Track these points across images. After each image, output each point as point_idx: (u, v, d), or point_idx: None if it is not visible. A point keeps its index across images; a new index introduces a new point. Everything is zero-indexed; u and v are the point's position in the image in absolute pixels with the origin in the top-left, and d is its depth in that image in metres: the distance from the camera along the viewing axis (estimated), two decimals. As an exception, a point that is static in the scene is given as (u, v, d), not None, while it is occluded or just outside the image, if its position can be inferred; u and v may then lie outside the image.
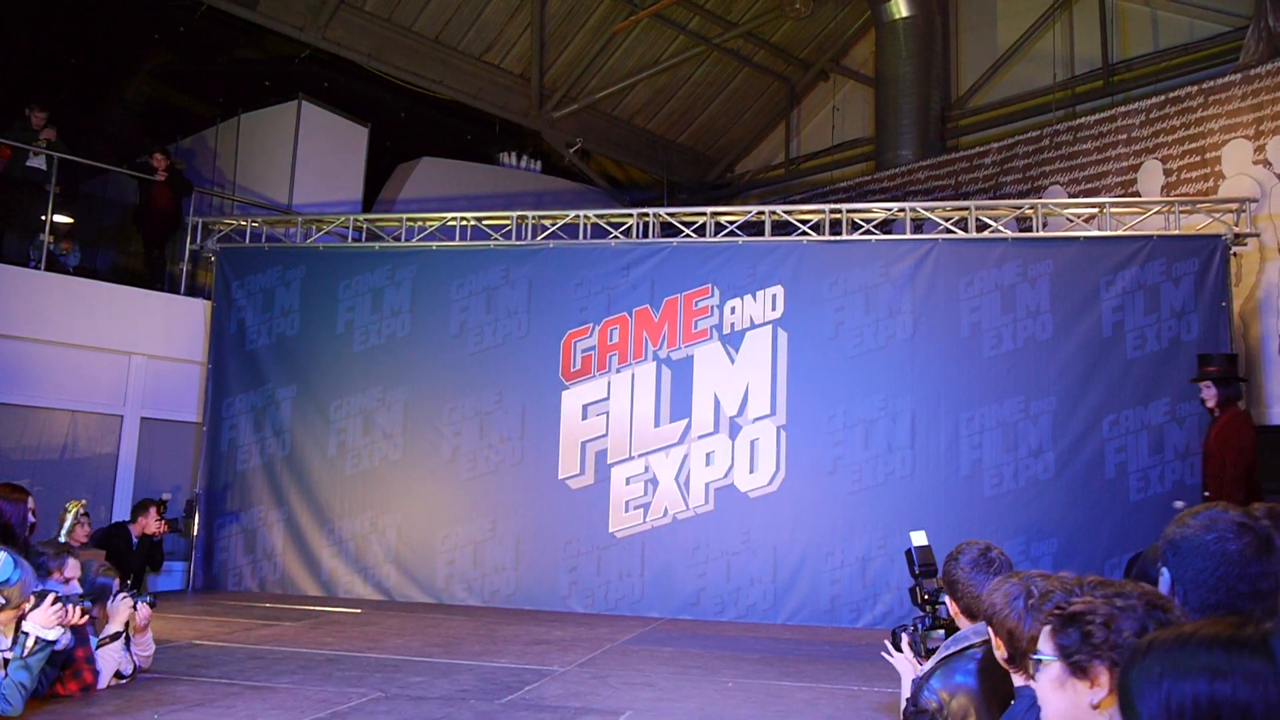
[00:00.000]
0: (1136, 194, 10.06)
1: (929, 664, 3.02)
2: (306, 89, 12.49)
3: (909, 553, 3.75)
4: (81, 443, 9.63)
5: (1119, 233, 8.57)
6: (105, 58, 13.45)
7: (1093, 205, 9.01)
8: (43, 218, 9.61)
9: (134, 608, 4.81)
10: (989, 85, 13.74)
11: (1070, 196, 10.57)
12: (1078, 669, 1.56)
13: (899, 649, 3.43)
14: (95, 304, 9.49)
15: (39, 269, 9.34)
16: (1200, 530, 1.97)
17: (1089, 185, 10.66)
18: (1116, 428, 8.16)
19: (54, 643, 4.09)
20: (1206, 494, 6.71)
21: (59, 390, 9.31)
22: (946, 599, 3.21)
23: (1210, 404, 6.98)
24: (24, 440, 9.35)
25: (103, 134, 12.79)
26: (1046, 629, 1.66)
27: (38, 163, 9.57)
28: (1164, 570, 1.99)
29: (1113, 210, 8.76)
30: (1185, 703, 1.18)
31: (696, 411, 8.80)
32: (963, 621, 3.06)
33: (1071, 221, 8.91)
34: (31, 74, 12.59)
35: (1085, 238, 8.57)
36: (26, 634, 3.93)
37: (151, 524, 8.20)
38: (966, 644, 2.88)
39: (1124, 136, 10.47)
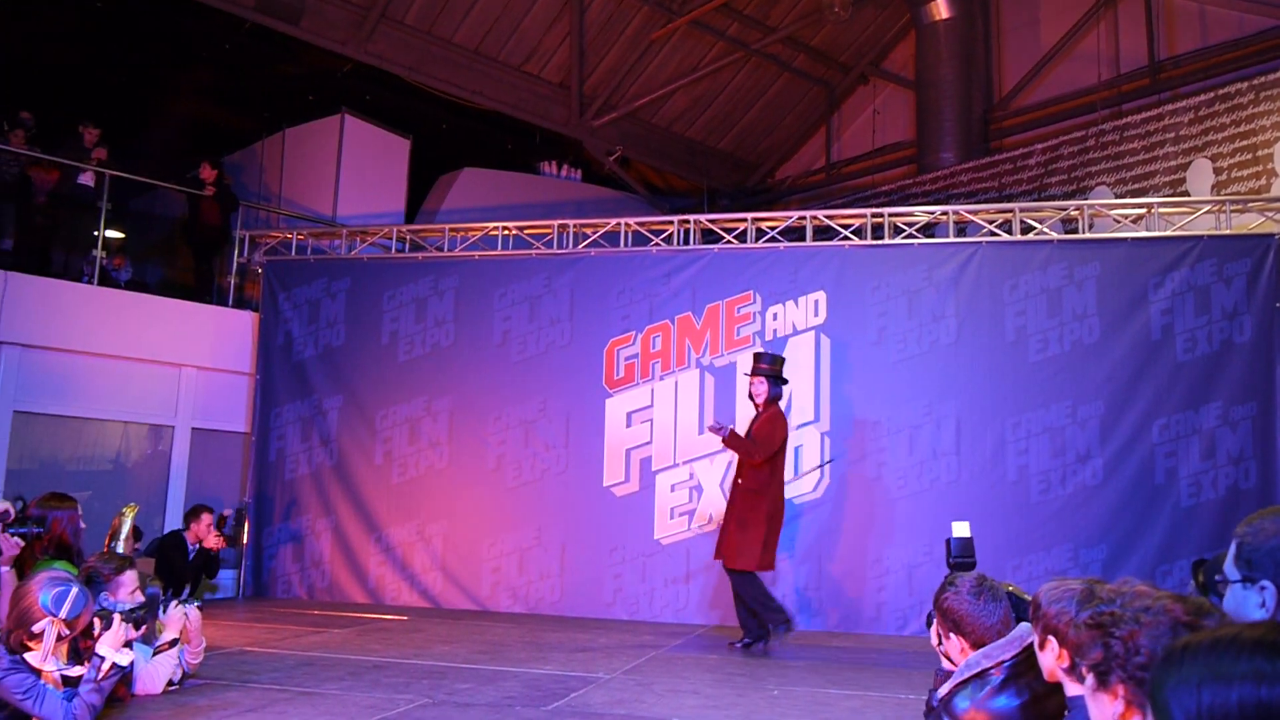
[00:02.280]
0: (1185, 193, 9.91)
1: (947, 686, 2.97)
2: (349, 102, 12.67)
3: (949, 542, 3.70)
4: (134, 453, 9.83)
5: (1168, 233, 8.44)
6: (152, 76, 13.71)
7: (1140, 205, 8.88)
8: (95, 234, 9.82)
9: (185, 615, 4.90)
10: (1032, 85, 13.59)
11: (1117, 197, 10.43)
12: (1102, 681, 1.54)
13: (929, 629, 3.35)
14: (146, 317, 9.69)
15: (92, 284, 9.55)
16: None
17: (1136, 185, 10.52)
18: (1167, 432, 8.03)
19: (127, 666, 4.18)
20: (739, 480, 7.17)
21: (112, 402, 9.51)
22: (945, 641, 3.08)
23: (760, 400, 7.21)
24: (78, 451, 9.55)
25: (150, 151, 13.03)
26: (1082, 640, 1.64)
27: (88, 180, 9.78)
28: (1267, 585, 1.76)
29: (1161, 210, 8.62)
30: (1230, 709, 1.16)
31: (740, 418, 8.77)
32: (965, 655, 2.97)
33: (1119, 222, 8.78)
34: (81, 93, 12.87)
35: (1133, 239, 8.44)
36: (102, 658, 4.00)
37: (205, 532, 8.25)
38: (980, 668, 2.84)
39: (1172, 135, 10.32)
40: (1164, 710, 1.21)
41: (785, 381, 7.36)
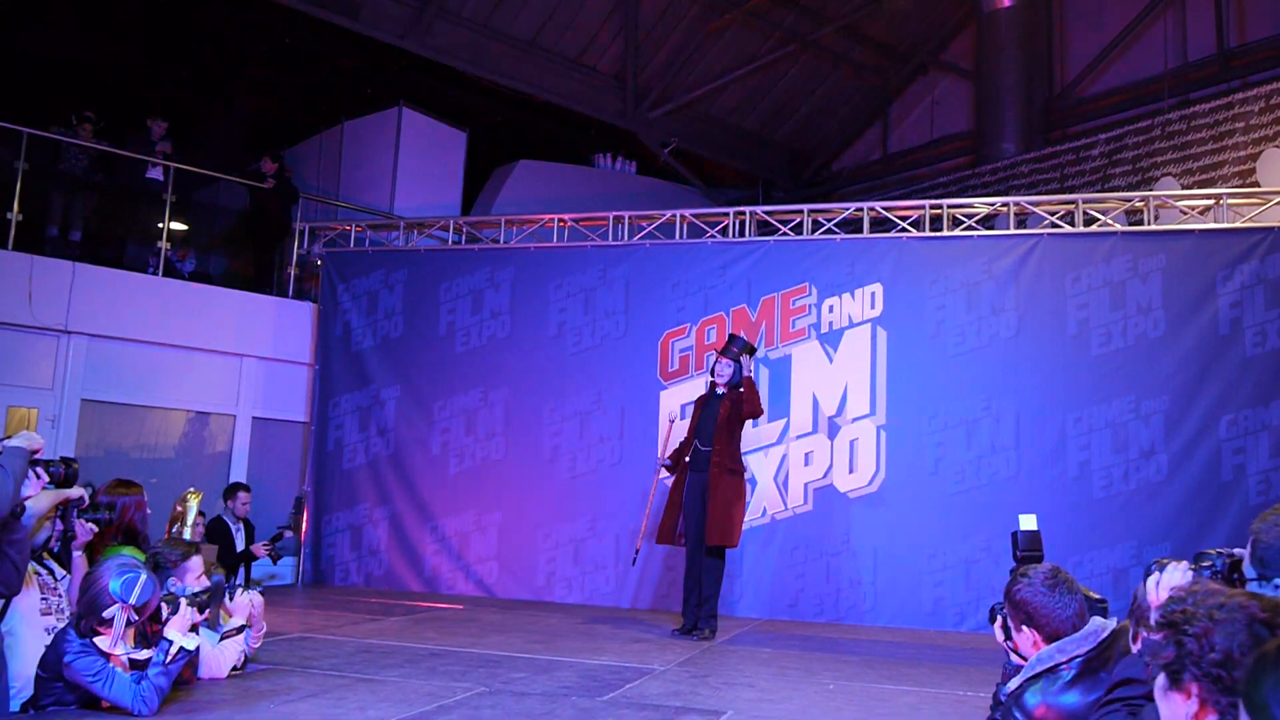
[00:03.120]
0: (1255, 184, 9.65)
1: (1017, 680, 2.92)
2: (407, 95, 12.78)
3: (1015, 535, 3.62)
4: (197, 442, 10.03)
5: (1237, 225, 8.22)
6: (213, 71, 13.95)
7: (1208, 196, 8.66)
8: (160, 226, 10.02)
9: (251, 602, 4.99)
10: (1096, 75, 13.33)
11: (1184, 188, 10.20)
12: (1175, 680, 1.51)
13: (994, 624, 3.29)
14: (209, 308, 9.87)
15: (157, 275, 9.75)
16: None
17: (1204, 176, 10.27)
18: (1235, 428, 7.84)
19: (194, 650, 4.26)
20: (718, 464, 7.14)
21: (175, 391, 9.72)
22: (1015, 634, 3.01)
23: (722, 382, 7.23)
24: (142, 439, 9.77)
25: (212, 144, 13.27)
26: (1153, 638, 1.61)
27: (155, 173, 9.98)
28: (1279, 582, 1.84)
29: (1230, 201, 8.40)
30: None
31: (795, 411, 8.74)
32: (1038, 649, 2.91)
33: (1185, 214, 8.58)
34: (144, 89, 13.13)
35: (1200, 230, 8.23)
36: (170, 641, 4.09)
37: (242, 510, 8.75)
38: (1052, 663, 2.79)
39: (1241, 124, 10.06)
40: (1264, 711, 1.19)
41: (745, 372, 7.35)
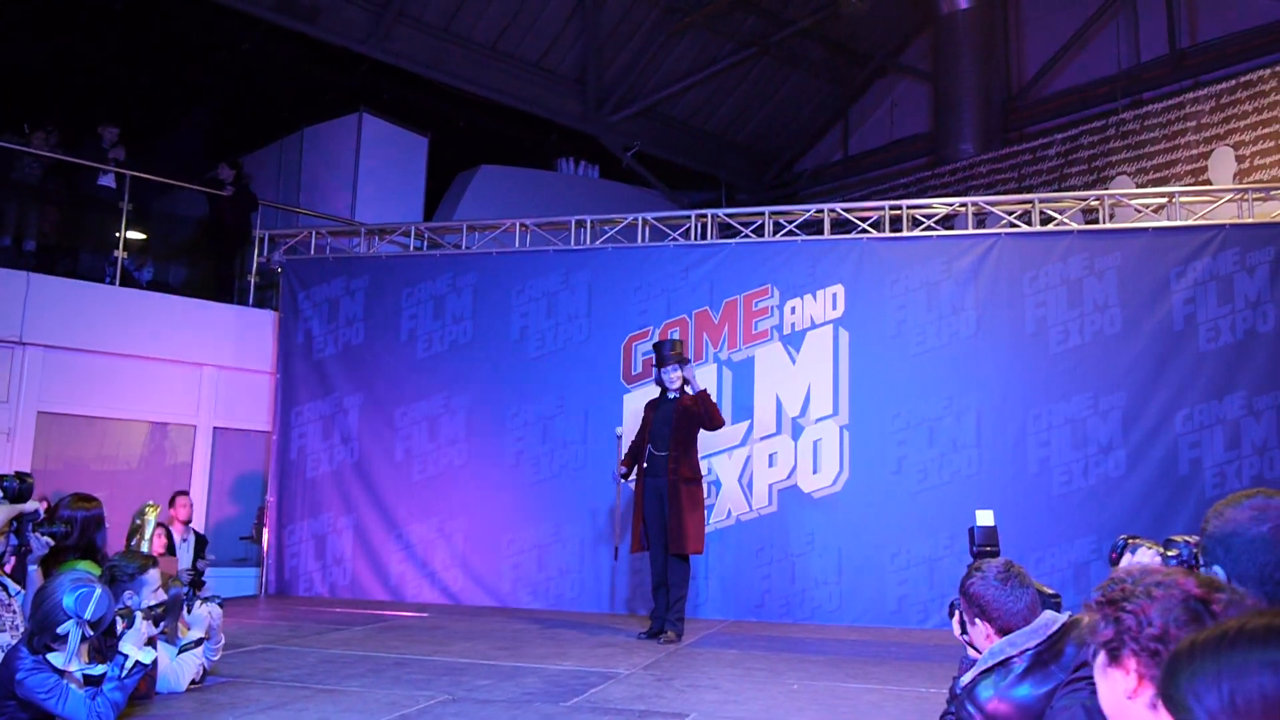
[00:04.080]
0: (1207, 182, 9.81)
1: (970, 673, 2.94)
2: (367, 101, 12.72)
3: (972, 530, 3.65)
4: (157, 453, 9.91)
5: (1190, 222, 8.36)
6: (171, 78, 13.80)
7: (1161, 195, 8.80)
8: (116, 235, 9.90)
9: (210, 614, 4.93)
10: (1052, 75, 13.50)
11: (1138, 186, 10.34)
12: (1114, 657, 1.53)
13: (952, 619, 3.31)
14: (168, 317, 9.76)
15: (114, 284, 9.62)
16: (1251, 522, 1.89)
17: (1157, 175, 10.43)
18: (1190, 422, 7.96)
19: (150, 664, 4.20)
20: (677, 474, 7.07)
21: (134, 402, 9.60)
22: (970, 628, 3.05)
23: (675, 387, 7.20)
24: (104, 451, 9.65)
25: (170, 151, 13.14)
26: (1092, 617, 1.63)
27: (108, 180, 9.85)
28: (1217, 569, 1.88)
29: (1183, 199, 8.54)
30: (1252, 699, 1.15)
31: (758, 412, 8.76)
32: (991, 643, 2.94)
33: (1140, 212, 8.71)
34: (101, 95, 12.98)
35: (1155, 228, 8.36)
36: (125, 656, 4.03)
37: (183, 514, 8.56)
38: (1004, 656, 2.81)
39: (1193, 123, 10.22)
40: (1182, 707, 1.20)
41: (687, 361, 7.39)
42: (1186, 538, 2.28)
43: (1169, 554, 2.27)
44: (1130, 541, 2.45)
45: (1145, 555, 2.34)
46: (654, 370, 7.49)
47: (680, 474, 7.06)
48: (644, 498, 7.17)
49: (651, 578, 7.26)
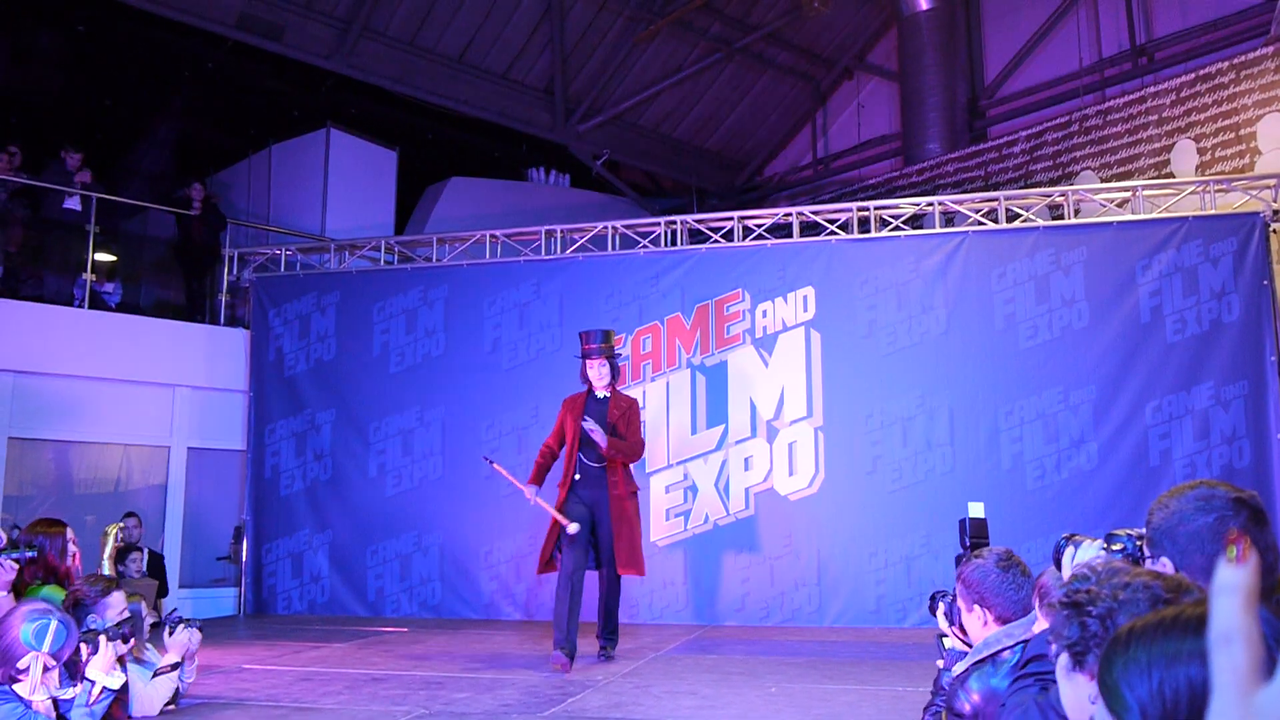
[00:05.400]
0: (1170, 175, 9.91)
1: (964, 663, 2.95)
2: (334, 116, 12.67)
3: (963, 523, 3.65)
4: (133, 475, 9.83)
5: (1153, 215, 8.44)
6: (136, 98, 13.72)
7: (1125, 189, 8.88)
8: (84, 257, 9.82)
9: (190, 639, 4.89)
10: (1015, 73, 13.62)
11: (1102, 181, 10.43)
12: (1078, 661, 1.53)
13: (934, 613, 3.31)
14: (139, 339, 9.68)
15: (83, 308, 9.55)
16: (1196, 513, 1.90)
17: (1121, 169, 10.52)
18: (1159, 414, 8.03)
19: (119, 688, 4.16)
20: (617, 487, 6.46)
21: (107, 425, 9.52)
22: (962, 617, 3.04)
23: (602, 384, 6.49)
24: (79, 474, 9.57)
25: (138, 172, 13.05)
26: (1057, 618, 1.62)
27: (73, 203, 9.78)
28: (1165, 561, 1.88)
29: (1146, 193, 8.63)
30: (1180, 689, 1.15)
31: (733, 416, 8.78)
32: (987, 631, 2.95)
33: (1104, 206, 8.79)
34: (65, 116, 12.89)
35: (1119, 222, 8.44)
36: (92, 682, 3.99)
37: (133, 532, 8.31)
38: (999, 647, 2.83)
39: (1155, 117, 10.32)
40: (1114, 694, 1.19)
41: (619, 357, 6.79)
42: (1129, 531, 2.29)
43: (1113, 548, 2.28)
44: (1072, 539, 2.46)
45: (1088, 552, 2.34)
46: (580, 363, 6.63)
47: (622, 489, 6.42)
48: (567, 514, 6.29)
49: (567, 601, 6.20)
